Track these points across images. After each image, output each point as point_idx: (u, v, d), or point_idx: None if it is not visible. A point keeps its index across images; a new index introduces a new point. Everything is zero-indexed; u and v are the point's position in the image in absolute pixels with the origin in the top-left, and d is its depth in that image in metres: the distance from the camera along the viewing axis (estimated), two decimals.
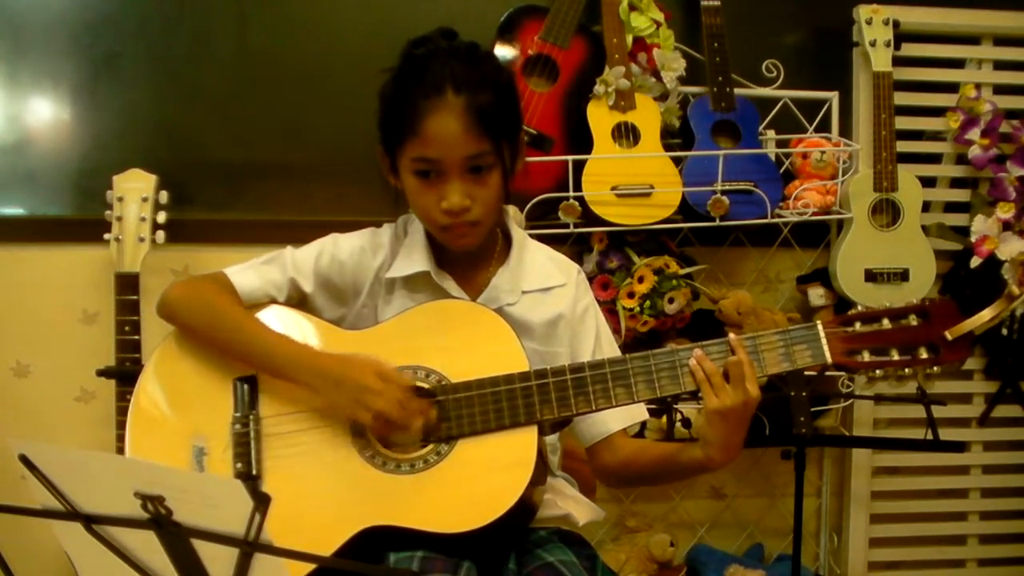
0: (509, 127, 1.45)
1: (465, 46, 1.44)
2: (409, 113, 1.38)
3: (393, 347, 1.42)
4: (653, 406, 2.11)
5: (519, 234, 1.57)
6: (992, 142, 2.52)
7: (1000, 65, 2.63)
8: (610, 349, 1.57)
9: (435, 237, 1.49)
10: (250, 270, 1.50)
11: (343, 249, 1.52)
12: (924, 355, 1.34)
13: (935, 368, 1.34)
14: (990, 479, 2.71)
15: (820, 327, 1.35)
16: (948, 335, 1.32)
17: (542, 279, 1.54)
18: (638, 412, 1.54)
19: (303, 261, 1.51)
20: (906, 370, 1.34)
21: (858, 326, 1.35)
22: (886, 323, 1.35)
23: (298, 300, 1.51)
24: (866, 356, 1.34)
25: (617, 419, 1.51)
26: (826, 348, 1.34)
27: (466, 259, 1.52)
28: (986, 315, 1.30)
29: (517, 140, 1.48)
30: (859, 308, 1.37)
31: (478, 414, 1.36)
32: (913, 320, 1.35)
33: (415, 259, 1.50)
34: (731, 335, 1.36)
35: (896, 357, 1.34)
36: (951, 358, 1.33)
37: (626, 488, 2.50)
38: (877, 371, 1.35)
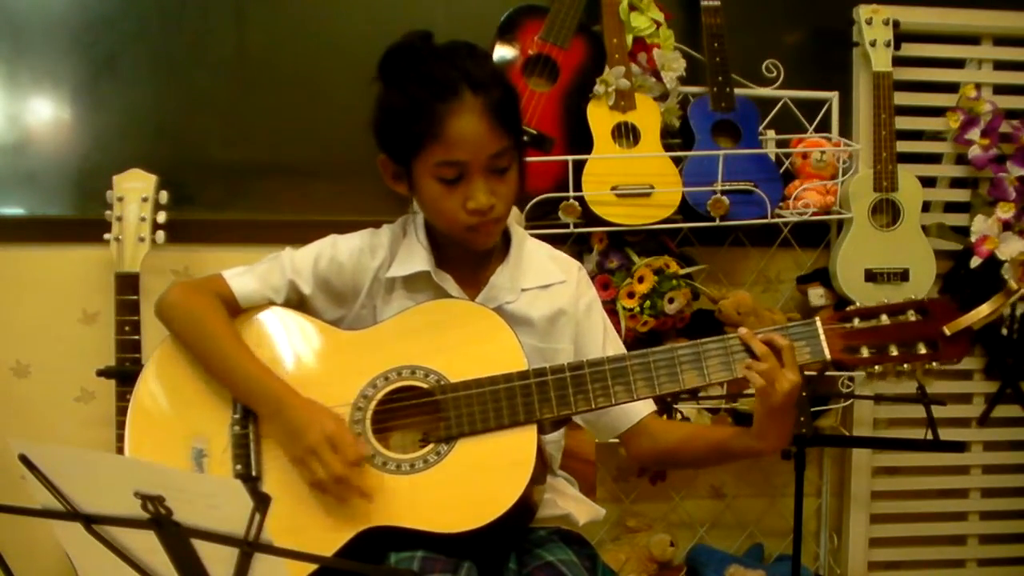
0: (519, 121, 1.46)
1: (461, 45, 1.44)
2: (427, 119, 1.37)
3: (391, 347, 1.42)
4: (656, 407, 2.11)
5: (518, 232, 1.57)
6: (992, 142, 2.52)
7: (1000, 65, 2.63)
8: (616, 344, 1.57)
9: (456, 239, 1.47)
10: (248, 273, 1.49)
11: (342, 250, 1.52)
12: (923, 350, 1.34)
13: (933, 364, 1.34)
14: (990, 479, 2.71)
15: (819, 323, 1.35)
16: (946, 330, 1.32)
17: (542, 276, 1.54)
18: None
19: (302, 263, 1.50)
20: (905, 365, 1.34)
21: (856, 322, 1.35)
22: (884, 319, 1.35)
23: (297, 302, 1.51)
24: (865, 352, 1.34)
25: (644, 404, 1.51)
26: (825, 344, 1.35)
27: (466, 258, 1.52)
28: (984, 310, 1.30)
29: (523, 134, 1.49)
30: (856, 305, 1.37)
31: (477, 413, 1.36)
32: (912, 316, 1.35)
33: (414, 259, 1.50)
34: (742, 329, 1.36)
35: (895, 353, 1.34)
36: (950, 354, 1.33)
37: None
38: (876, 367, 1.35)
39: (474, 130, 1.37)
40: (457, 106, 1.36)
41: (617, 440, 1.57)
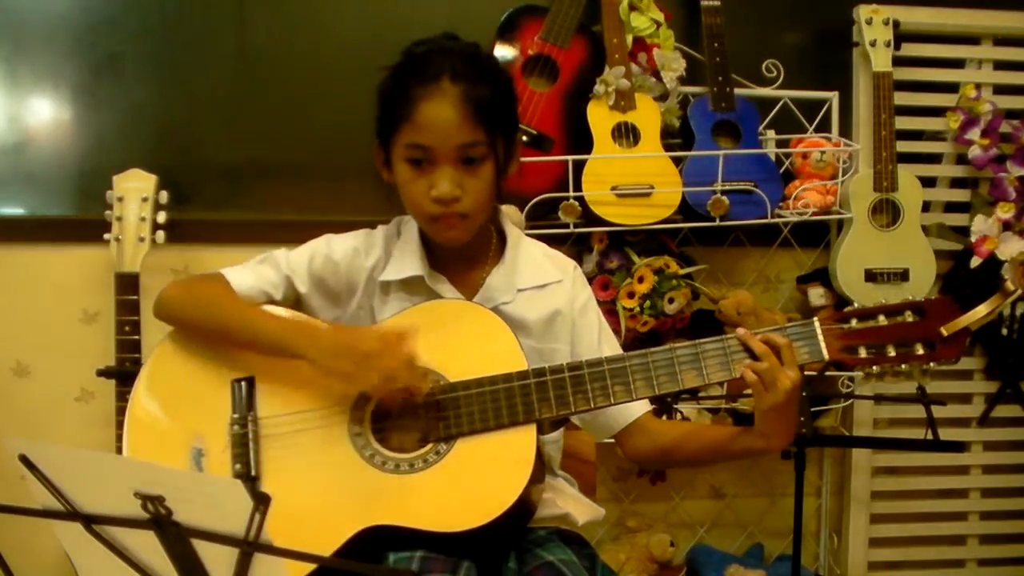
0: (504, 123, 1.45)
1: (467, 45, 1.45)
2: (404, 100, 1.39)
3: None
4: (654, 406, 2.11)
5: (514, 232, 1.57)
6: (992, 142, 2.52)
7: (1000, 65, 2.63)
8: (611, 344, 1.57)
9: (425, 230, 1.49)
10: (246, 269, 1.50)
11: (336, 250, 1.52)
12: (920, 351, 1.35)
13: (931, 364, 1.35)
14: (990, 479, 2.72)
15: (817, 324, 1.36)
16: (944, 331, 1.33)
17: (537, 276, 1.54)
18: None
19: (296, 262, 1.51)
20: (902, 365, 1.35)
21: (854, 323, 1.36)
22: (882, 319, 1.36)
23: (293, 300, 1.51)
24: (863, 352, 1.35)
25: (641, 404, 1.51)
26: (823, 345, 1.35)
27: (460, 259, 1.52)
28: (981, 311, 1.31)
29: (512, 140, 1.48)
30: (855, 305, 1.38)
31: (477, 413, 1.36)
32: (909, 316, 1.36)
33: (408, 262, 1.50)
34: (739, 330, 1.36)
35: (892, 353, 1.35)
36: (947, 354, 1.34)
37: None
38: (874, 367, 1.35)
39: (444, 116, 1.38)
40: (433, 91, 1.38)
41: (613, 440, 1.57)
